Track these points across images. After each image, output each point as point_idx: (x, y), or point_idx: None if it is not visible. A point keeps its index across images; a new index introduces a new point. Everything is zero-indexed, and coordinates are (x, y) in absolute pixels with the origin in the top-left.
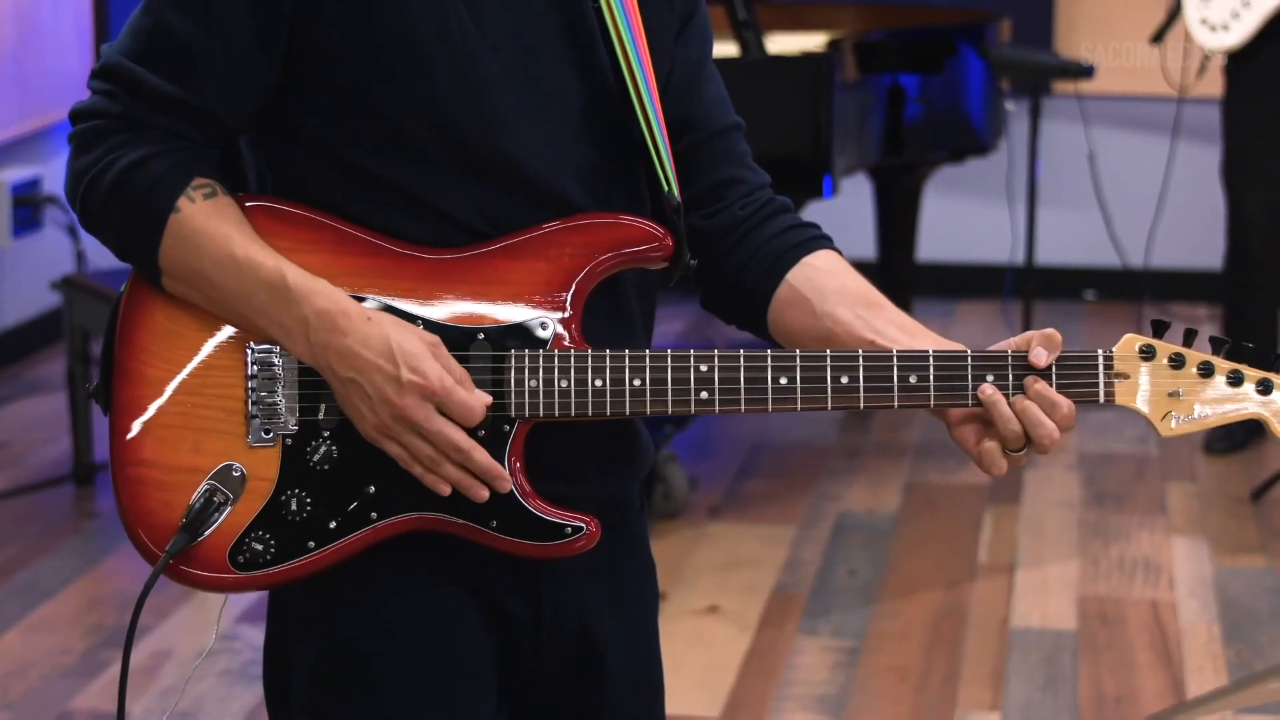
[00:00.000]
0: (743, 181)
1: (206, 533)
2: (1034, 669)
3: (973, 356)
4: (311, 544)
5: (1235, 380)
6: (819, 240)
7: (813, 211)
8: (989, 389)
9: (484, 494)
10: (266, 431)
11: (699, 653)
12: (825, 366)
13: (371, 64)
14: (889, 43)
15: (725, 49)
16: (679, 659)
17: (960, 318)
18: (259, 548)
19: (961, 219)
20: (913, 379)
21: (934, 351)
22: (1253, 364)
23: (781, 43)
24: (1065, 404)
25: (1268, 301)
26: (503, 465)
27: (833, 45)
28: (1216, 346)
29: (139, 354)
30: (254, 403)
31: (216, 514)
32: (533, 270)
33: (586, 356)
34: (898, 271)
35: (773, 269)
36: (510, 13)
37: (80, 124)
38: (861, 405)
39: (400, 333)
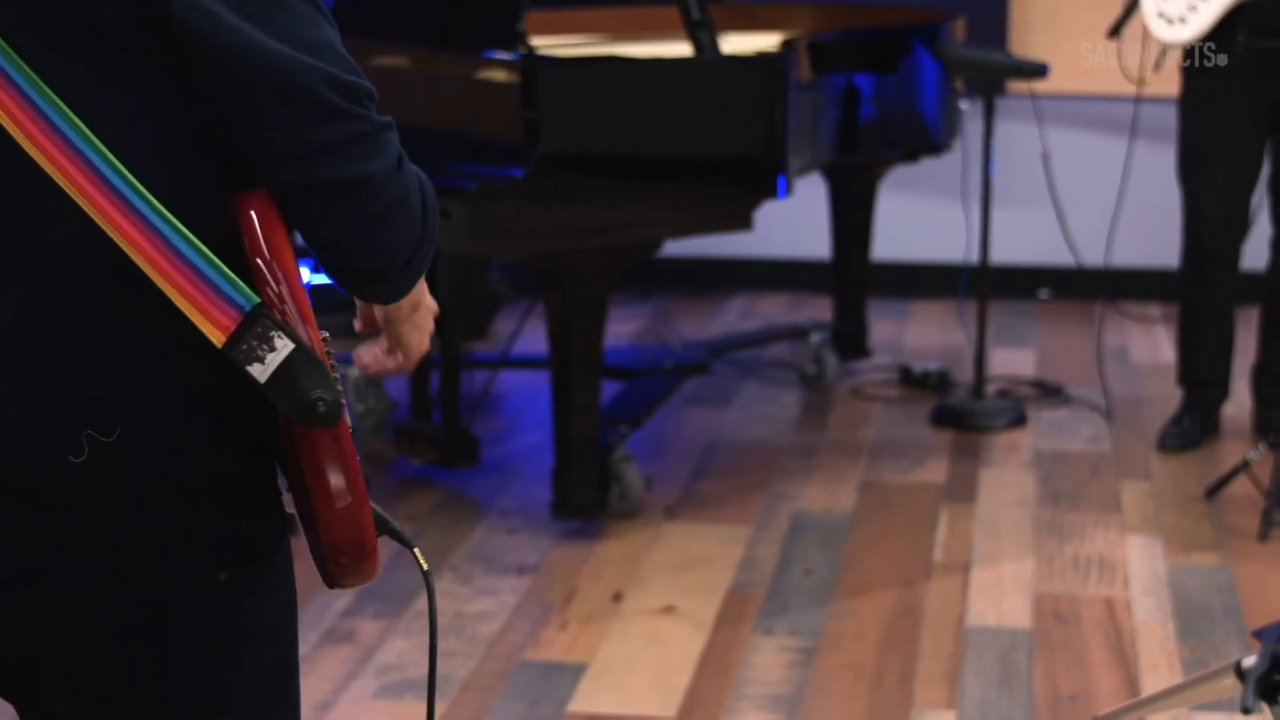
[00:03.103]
0: None
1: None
2: (989, 667)
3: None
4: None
5: None
6: None
7: (767, 211)
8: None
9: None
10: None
11: (655, 653)
12: None
13: None
14: (843, 42)
15: (680, 49)
16: (635, 659)
17: (915, 317)
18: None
19: (916, 218)
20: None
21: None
22: None
23: (736, 43)
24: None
25: (1223, 300)
26: None
27: (787, 45)
28: None
29: (320, 352)
30: (340, 389)
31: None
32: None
33: None
34: (853, 271)
35: None
36: None
37: (408, 163)
38: None
39: None
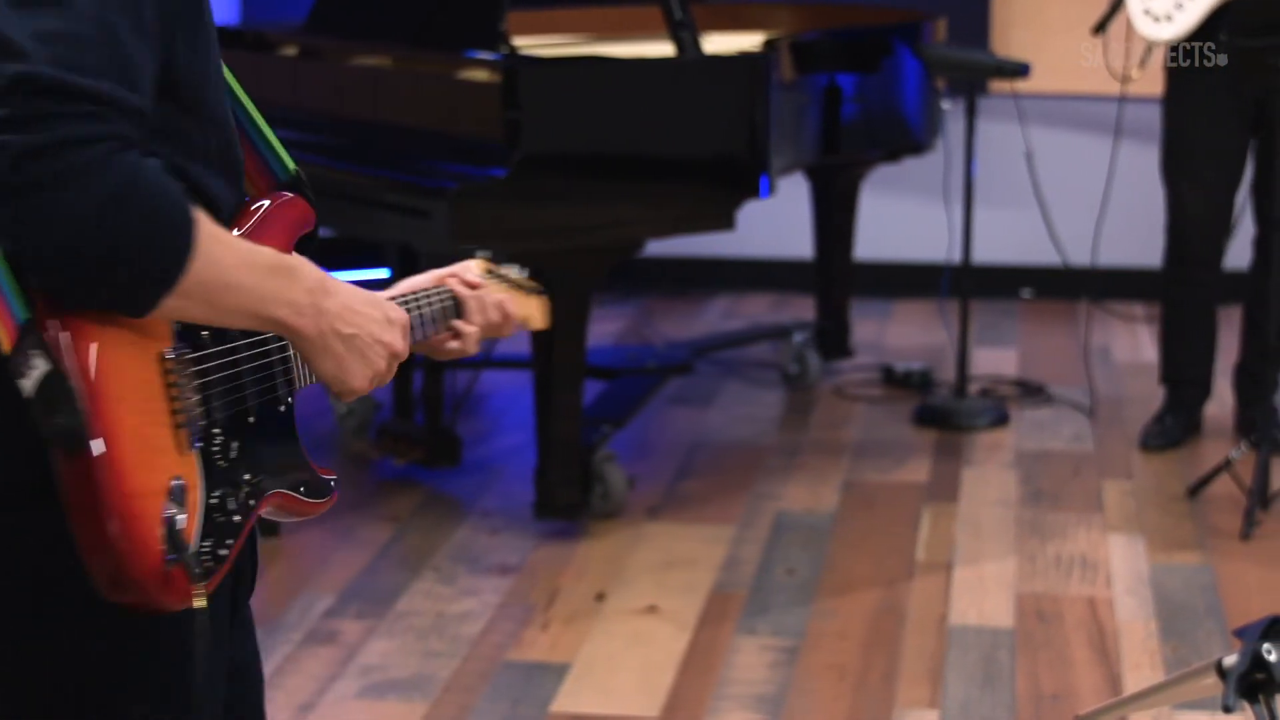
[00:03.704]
0: None
1: (196, 549)
2: (972, 667)
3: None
4: (230, 541)
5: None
6: None
7: (750, 211)
8: (459, 287)
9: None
10: (191, 438)
11: (638, 653)
12: None
13: (204, 82)
14: (825, 42)
15: (662, 49)
16: (618, 659)
17: (897, 316)
18: (206, 554)
19: (898, 218)
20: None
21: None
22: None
23: (718, 42)
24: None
25: (1206, 299)
26: (295, 432)
27: (769, 45)
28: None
29: (96, 374)
30: (177, 411)
31: (180, 532)
32: (277, 246)
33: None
34: (835, 270)
35: None
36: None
37: (74, 154)
38: None
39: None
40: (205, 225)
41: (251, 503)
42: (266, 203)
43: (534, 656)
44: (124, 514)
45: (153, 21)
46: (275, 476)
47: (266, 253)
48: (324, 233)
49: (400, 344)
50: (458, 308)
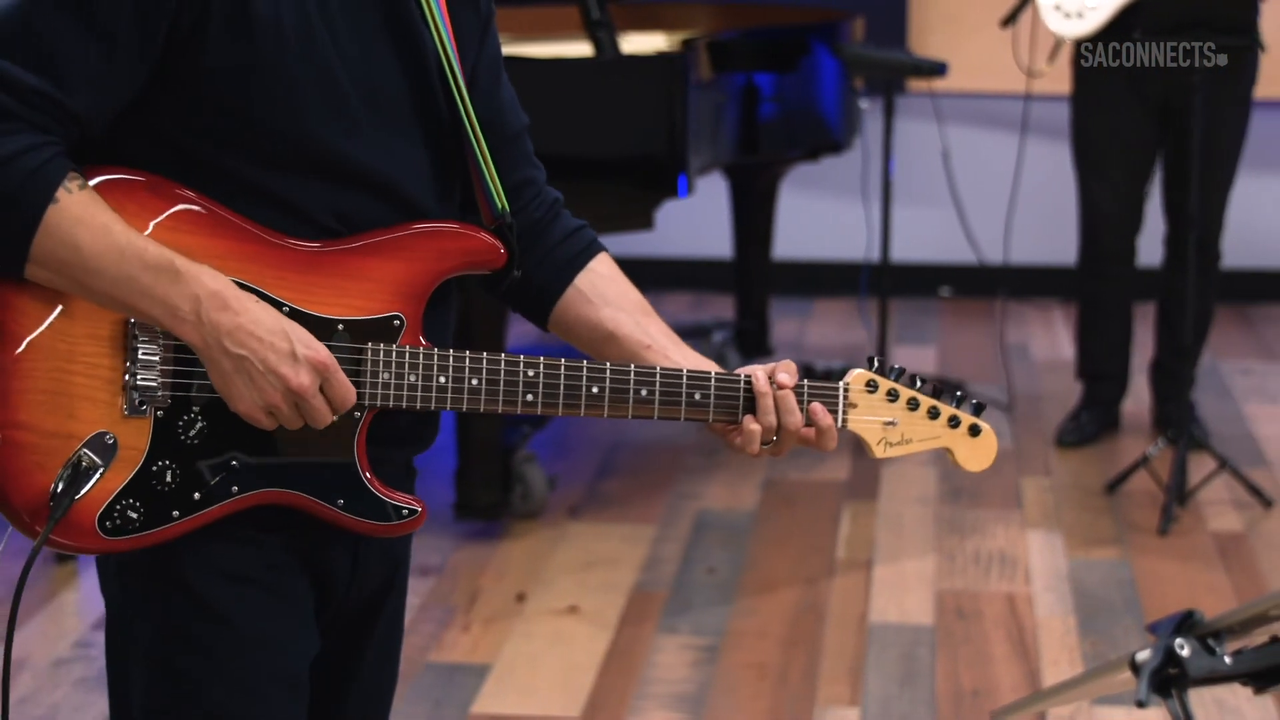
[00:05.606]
0: (533, 182)
1: (77, 498)
2: (892, 664)
3: (744, 381)
4: (176, 512)
5: (933, 415)
6: (595, 245)
7: (668, 210)
8: (761, 378)
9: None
10: (141, 404)
11: (558, 653)
12: (629, 380)
13: (245, 80)
14: (743, 42)
15: (579, 49)
16: (538, 659)
17: (817, 315)
18: (130, 515)
19: (817, 217)
20: (698, 396)
21: (715, 374)
22: (946, 402)
23: (636, 42)
24: (820, 409)
25: (1120, 294)
26: (352, 448)
27: (687, 44)
28: (919, 384)
29: (12, 313)
30: (131, 375)
31: (85, 480)
32: (390, 269)
33: (434, 355)
34: (754, 270)
35: (562, 272)
36: (351, 24)
37: None
38: (655, 416)
39: (287, 319)
40: (71, 210)
41: (233, 488)
42: (416, 228)
43: (455, 658)
44: (2, 439)
45: (123, 19)
46: (287, 476)
47: (153, 251)
48: None
49: (301, 381)
50: (751, 401)
